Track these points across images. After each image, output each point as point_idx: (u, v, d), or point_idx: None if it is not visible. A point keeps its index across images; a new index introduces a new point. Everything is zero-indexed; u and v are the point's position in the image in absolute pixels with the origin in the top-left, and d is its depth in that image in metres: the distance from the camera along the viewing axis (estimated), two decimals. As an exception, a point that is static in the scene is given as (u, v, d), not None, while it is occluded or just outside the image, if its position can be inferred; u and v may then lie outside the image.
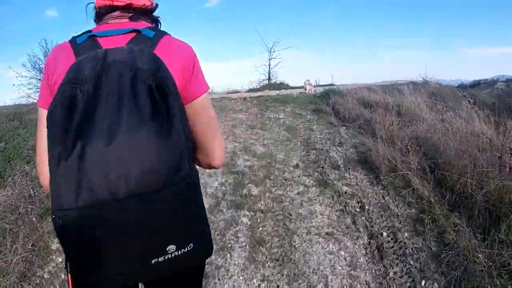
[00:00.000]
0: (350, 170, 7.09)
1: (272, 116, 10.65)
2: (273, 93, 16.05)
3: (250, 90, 18.30)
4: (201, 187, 1.43)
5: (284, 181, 6.44)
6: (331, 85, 18.65)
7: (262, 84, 20.26)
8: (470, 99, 16.02)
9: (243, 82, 22.46)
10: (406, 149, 6.56)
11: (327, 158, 7.54)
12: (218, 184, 6.33)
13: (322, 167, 7.18)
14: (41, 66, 15.24)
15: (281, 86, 20.01)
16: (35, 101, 14.88)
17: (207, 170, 6.25)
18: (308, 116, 10.67)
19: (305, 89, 15.29)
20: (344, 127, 9.63)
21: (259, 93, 16.14)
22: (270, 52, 21.12)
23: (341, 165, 7.24)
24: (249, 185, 6.25)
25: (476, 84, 26.18)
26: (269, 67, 20.94)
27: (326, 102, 12.06)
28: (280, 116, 10.58)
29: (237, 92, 17.85)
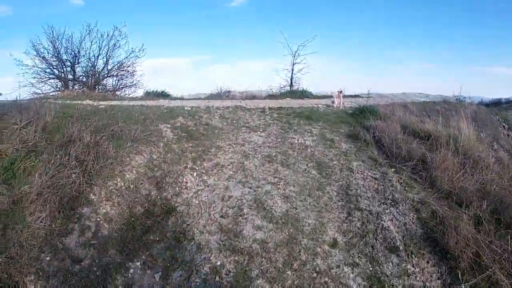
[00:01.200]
0: (413, 256, 4.70)
1: (296, 141, 8.15)
2: (295, 103, 13.56)
3: (270, 96, 15.84)
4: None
5: (315, 275, 3.99)
6: (356, 96, 16.10)
7: (283, 91, 17.75)
8: (504, 123, 14.41)
9: (262, 86, 19.93)
10: (480, 216, 5.11)
11: (378, 230, 5.07)
12: (209, 268, 3.92)
13: (373, 246, 4.72)
14: (44, 54, 13.91)
15: (304, 94, 17.48)
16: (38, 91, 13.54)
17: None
18: (342, 145, 8.14)
19: (333, 102, 12.73)
20: (393, 169, 7.07)
21: (280, 102, 13.65)
22: (294, 56, 18.46)
23: (400, 246, 4.80)
24: (259, 280, 3.82)
25: (497, 103, 23.98)
26: (292, 73, 18.44)
27: (362, 123, 9.46)
28: (307, 142, 8.07)
29: (254, 97, 15.41)
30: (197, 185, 6.08)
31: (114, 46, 14.96)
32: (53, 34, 14.05)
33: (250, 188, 5.86)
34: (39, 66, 14.07)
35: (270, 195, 5.65)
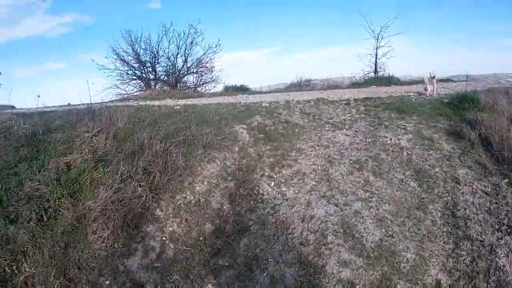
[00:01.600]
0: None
1: (389, 140, 6.63)
2: (383, 92, 11.67)
3: (353, 85, 14.08)
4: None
5: None
6: (447, 80, 13.27)
7: (367, 78, 15.71)
8: None
9: (343, 73, 18.03)
10: None
11: (491, 269, 3.55)
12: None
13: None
14: (124, 57, 14.54)
15: (390, 81, 15.17)
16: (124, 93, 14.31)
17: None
18: (444, 145, 6.34)
19: (425, 89, 10.44)
20: (506, 179, 5.19)
21: (365, 91, 11.89)
22: (377, 39, 16.12)
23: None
24: None
25: None
26: (376, 57, 16.12)
27: (462, 116, 7.39)
28: (402, 142, 6.49)
29: (336, 87, 13.87)
30: (275, 197, 5.18)
31: (191, 43, 14.98)
32: (131, 37, 14.50)
33: (336, 205, 4.74)
34: (120, 69, 14.63)
35: (360, 217, 4.47)
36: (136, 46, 14.67)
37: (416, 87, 12.32)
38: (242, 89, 13.93)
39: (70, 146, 5.31)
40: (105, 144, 5.40)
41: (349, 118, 7.81)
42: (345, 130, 7.16)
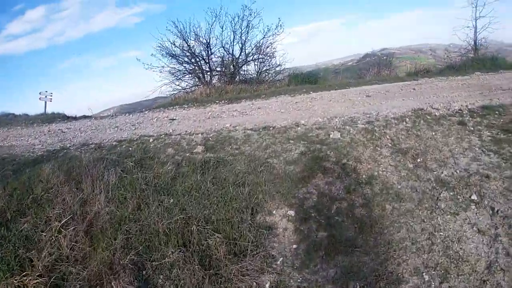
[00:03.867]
0: None
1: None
2: (497, 85, 8.58)
3: (450, 70, 10.53)
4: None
5: None
6: None
7: (464, 59, 11.83)
8: None
9: (426, 39, 14.31)
10: None
11: None
12: None
13: None
14: (173, 52, 12.71)
15: (495, 63, 11.33)
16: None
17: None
18: None
19: None
20: None
21: (470, 85, 8.76)
22: (476, 7, 11.84)
23: None
24: None
25: None
26: (475, 32, 11.81)
27: None
28: None
29: (427, 72, 10.52)
30: None
31: (247, 27, 12.78)
32: (178, 28, 12.43)
33: None
34: (170, 66, 12.90)
35: None
36: (186, 36, 12.69)
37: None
38: (309, 81, 11.39)
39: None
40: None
41: (473, 164, 4.94)
42: (473, 207, 4.34)
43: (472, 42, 12.30)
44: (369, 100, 7.57)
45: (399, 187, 4.65)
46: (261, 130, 6.22)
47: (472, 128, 5.84)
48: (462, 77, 10.16)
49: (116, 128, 7.43)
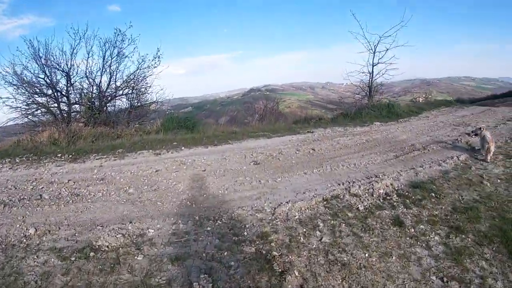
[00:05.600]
0: None
1: None
2: (405, 138, 7.18)
3: (343, 116, 9.01)
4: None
5: None
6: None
7: (358, 104, 10.84)
8: None
9: (315, 89, 13.74)
10: None
11: None
12: None
13: None
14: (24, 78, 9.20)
15: (392, 111, 10.70)
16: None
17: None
18: None
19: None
20: None
21: (376, 140, 7.68)
22: (374, 52, 11.29)
23: None
24: None
25: None
26: (371, 76, 11.10)
27: None
28: None
29: (319, 124, 8.76)
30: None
31: (118, 55, 10.18)
32: (34, 49, 9.21)
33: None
34: (16, 97, 9.22)
35: None
36: (43, 60, 9.34)
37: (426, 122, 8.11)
38: (185, 126, 9.05)
39: None
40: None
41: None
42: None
43: (367, 88, 11.50)
44: (259, 172, 5.16)
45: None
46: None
47: (413, 231, 3.74)
48: (361, 128, 8.90)
49: None
